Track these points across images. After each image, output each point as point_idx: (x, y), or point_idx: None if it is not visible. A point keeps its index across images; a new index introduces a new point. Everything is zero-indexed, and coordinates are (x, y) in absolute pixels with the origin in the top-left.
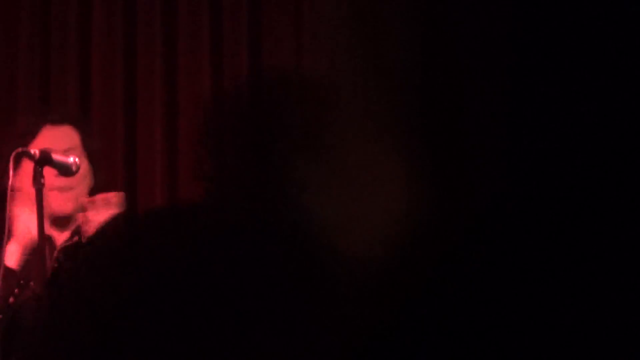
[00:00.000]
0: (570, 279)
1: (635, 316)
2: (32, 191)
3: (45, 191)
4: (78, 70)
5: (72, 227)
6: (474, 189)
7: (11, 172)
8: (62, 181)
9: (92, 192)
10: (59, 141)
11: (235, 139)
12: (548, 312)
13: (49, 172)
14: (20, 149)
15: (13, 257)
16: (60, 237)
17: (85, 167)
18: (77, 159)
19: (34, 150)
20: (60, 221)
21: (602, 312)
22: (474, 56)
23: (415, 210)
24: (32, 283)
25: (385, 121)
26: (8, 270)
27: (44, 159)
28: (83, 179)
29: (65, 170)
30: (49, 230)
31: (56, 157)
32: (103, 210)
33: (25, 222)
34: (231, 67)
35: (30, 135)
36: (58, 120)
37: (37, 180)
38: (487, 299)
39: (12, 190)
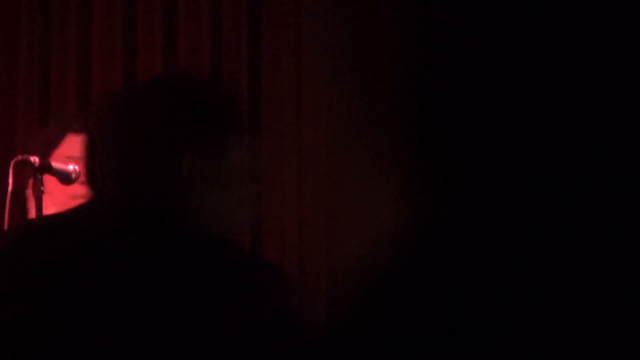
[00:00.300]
0: (566, 278)
1: (634, 316)
2: (58, 196)
3: (67, 200)
4: (78, 70)
5: None
6: (466, 190)
7: (11, 180)
8: (83, 190)
9: None
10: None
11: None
12: (545, 312)
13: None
14: (20, 157)
15: None
16: None
17: None
18: (77, 167)
19: (34, 157)
20: None
21: (599, 312)
22: (469, 58)
23: (412, 210)
24: None
25: (382, 121)
26: None
27: (44, 167)
28: None
29: (65, 178)
30: None
31: (56, 165)
32: None
33: None
34: (231, 67)
35: (51, 146)
36: (80, 129)
37: (37, 187)
38: (481, 300)
39: (13, 196)
